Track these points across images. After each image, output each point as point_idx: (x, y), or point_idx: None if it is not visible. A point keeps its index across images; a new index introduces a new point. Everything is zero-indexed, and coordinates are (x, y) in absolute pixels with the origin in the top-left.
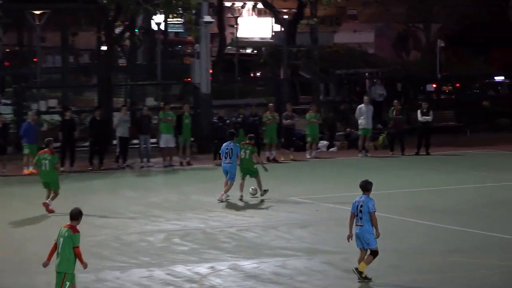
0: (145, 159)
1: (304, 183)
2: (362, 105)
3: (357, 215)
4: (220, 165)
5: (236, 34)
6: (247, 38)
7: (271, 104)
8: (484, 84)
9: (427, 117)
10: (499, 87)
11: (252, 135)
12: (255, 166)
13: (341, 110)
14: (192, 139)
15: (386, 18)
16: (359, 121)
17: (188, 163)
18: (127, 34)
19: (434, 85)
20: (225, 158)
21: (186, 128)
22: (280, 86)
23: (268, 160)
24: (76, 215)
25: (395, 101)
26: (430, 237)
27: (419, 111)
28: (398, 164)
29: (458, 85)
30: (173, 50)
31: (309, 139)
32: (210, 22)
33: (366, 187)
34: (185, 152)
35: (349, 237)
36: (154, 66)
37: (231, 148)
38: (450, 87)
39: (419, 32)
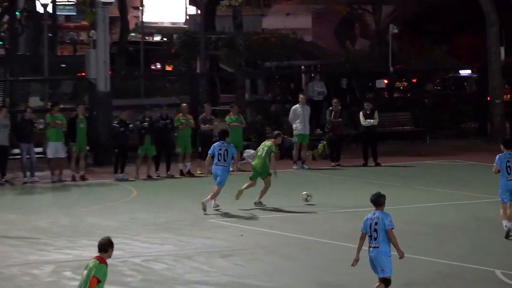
0: (28, 173)
1: (226, 202)
2: (297, 105)
3: (370, 235)
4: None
5: (142, 18)
6: (155, 23)
7: (184, 104)
8: (446, 80)
9: (371, 120)
10: (465, 83)
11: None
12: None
13: (272, 111)
14: (87, 147)
15: None
16: (294, 126)
17: (83, 178)
18: (6, 18)
19: (386, 81)
20: (218, 160)
21: (80, 135)
22: (196, 82)
23: (182, 173)
24: (105, 246)
25: (334, 101)
26: None
27: (361, 113)
28: (342, 178)
29: (415, 80)
30: (63, 38)
31: None
32: (109, 3)
33: (379, 201)
34: (78, 164)
35: (356, 261)
36: (40, 57)
37: (226, 149)
38: (405, 84)
39: (367, 16)
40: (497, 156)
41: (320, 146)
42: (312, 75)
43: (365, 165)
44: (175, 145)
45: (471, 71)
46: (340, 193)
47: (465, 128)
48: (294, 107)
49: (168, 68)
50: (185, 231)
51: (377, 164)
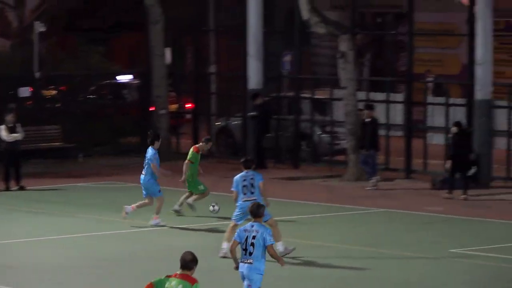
0: None
1: None
2: None
3: (245, 249)
4: None
5: None
6: None
7: None
8: (103, 87)
9: (16, 135)
10: (124, 91)
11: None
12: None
13: None
14: None
15: None
16: None
17: None
18: None
19: (31, 89)
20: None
21: None
22: None
23: None
24: (190, 263)
25: None
26: None
27: (3, 127)
28: None
29: (63, 88)
30: None
31: None
32: None
33: (258, 212)
34: None
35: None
36: None
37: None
38: (53, 92)
39: (7, 11)
40: (234, 179)
41: None
42: None
43: (7, 188)
44: None
45: (133, 77)
46: None
47: (125, 143)
48: None
49: None
50: None
51: (21, 188)
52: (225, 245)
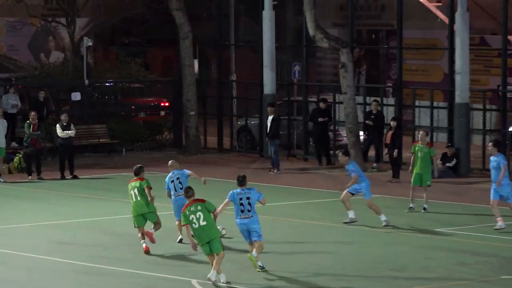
0: None
1: None
2: None
3: (243, 209)
4: None
5: None
6: None
7: None
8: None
9: (69, 132)
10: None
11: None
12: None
13: None
14: None
15: (19, 11)
16: None
17: None
18: None
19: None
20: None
21: None
22: None
23: None
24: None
25: (32, 113)
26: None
27: (58, 126)
28: (41, 191)
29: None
30: None
31: None
32: None
33: (242, 181)
34: None
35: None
36: None
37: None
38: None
39: (61, 28)
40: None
41: (15, 159)
42: (7, 88)
43: (62, 177)
44: None
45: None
46: (41, 206)
47: (160, 140)
48: None
49: None
50: None
51: (75, 177)
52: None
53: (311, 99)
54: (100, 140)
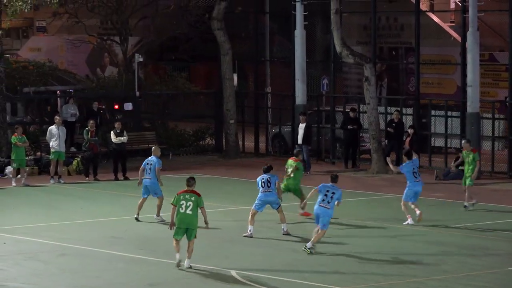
0: None
1: None
2: (53, 126)
3: (326, 198)
4: None
5: None
6: None
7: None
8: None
9: (122, 138)
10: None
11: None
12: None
13: (30, 132)
14: None
15: (78, 30)
16: (51, 144)
17: None
18: None
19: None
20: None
21: None
22: None
23: None
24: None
25: (91, 121)
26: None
27: (112, 132)
28: (96, 191)
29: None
30: None
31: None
32: None
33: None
34: None
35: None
36: None
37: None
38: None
39: (115, 46)
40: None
41: (74, 162)
42: (67, 99)
43: (116, 179)
44: None
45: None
46: (96, 204)
47: (203, 145)
48: (50, 127)
49: None
50: None
51: (126, 179)
52: (250, 228)
53: (338, 109)
54: (150, 145)
